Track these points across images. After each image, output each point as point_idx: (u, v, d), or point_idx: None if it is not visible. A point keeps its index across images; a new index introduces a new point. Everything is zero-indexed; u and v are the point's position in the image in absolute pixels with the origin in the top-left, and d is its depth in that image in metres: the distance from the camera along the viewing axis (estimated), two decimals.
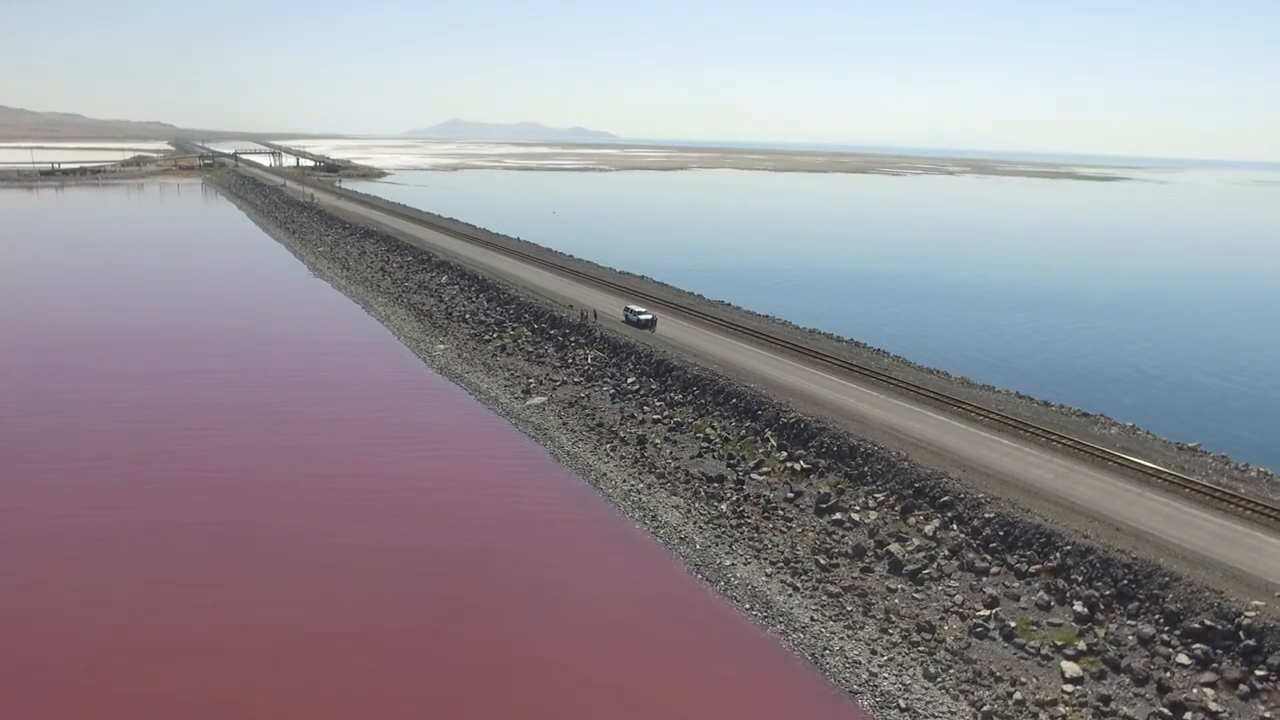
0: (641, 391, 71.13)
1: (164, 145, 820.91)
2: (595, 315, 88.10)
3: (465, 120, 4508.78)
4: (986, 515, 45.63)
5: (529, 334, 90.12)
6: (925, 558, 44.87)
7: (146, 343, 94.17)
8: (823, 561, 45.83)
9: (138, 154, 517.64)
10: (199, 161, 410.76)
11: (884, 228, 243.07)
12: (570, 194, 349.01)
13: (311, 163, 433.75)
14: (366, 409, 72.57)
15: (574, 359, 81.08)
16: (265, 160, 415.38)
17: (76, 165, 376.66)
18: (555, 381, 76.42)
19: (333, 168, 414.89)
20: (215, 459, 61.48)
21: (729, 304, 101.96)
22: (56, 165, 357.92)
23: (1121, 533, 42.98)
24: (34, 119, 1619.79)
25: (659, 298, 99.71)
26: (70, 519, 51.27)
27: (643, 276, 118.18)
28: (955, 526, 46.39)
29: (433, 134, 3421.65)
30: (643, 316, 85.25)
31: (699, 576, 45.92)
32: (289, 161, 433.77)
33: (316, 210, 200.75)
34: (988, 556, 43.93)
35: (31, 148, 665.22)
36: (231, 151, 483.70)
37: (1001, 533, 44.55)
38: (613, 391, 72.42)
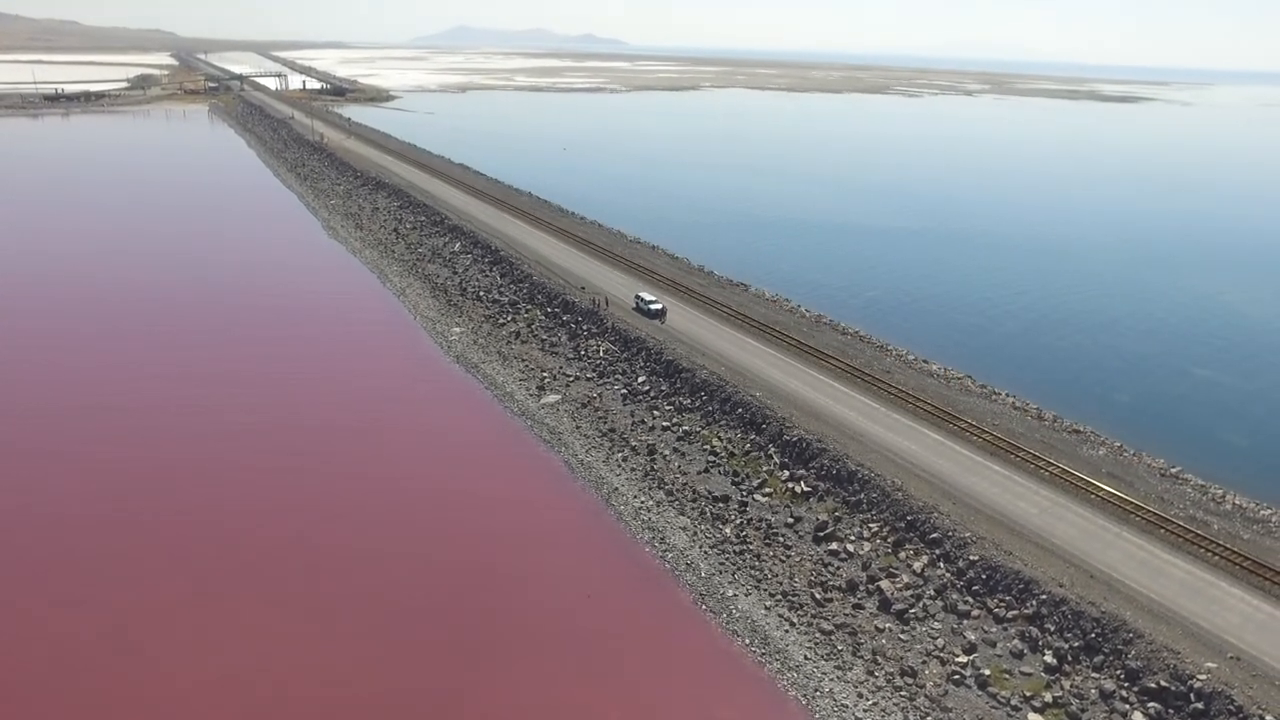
0: (652, 393, 74.13)
1: (166, 58, 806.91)
2: (607, 303, 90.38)
3: (472, 27, 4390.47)
4: (971, 557, 49.10)
5: (542, 318, 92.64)
6: (913, 596, 48.55)
7: (151, 313, 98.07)
8: (818, 595, 49.58)
9: (141, 73, 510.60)
10: (204, 85, 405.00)
11: (894, 164, 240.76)
12: (580, 122, 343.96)
13: (318, 85, 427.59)
14: (383, 405, 75.47)
15: (586, 350, 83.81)
16: (272, 83, 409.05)
17: (80, 89, 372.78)
18: (569, 377, 79.34)
19: (339, 90, 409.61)
20: (210, 449, 65.71)
21: (736, 283, 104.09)
22: (60, 90, 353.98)
23: (1095, 581, 46.47)
24: (31, 26, 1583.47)
25: (668, 278, 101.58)
26: (42, 510, 55.56)
27: (654, 247, 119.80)
28: (942, 565, 49.95)
29: (439, 41, 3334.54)
30: (653, 306, 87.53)
31: (702, 607, 49.80)
32: (295, 83, 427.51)
33: (327, 153, 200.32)
34: (970, 599, 47.60)
35: (31, 62, 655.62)
36: (237, 73, 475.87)
37: (984, 576, 48.10)
38: (624, 391, 75.43)
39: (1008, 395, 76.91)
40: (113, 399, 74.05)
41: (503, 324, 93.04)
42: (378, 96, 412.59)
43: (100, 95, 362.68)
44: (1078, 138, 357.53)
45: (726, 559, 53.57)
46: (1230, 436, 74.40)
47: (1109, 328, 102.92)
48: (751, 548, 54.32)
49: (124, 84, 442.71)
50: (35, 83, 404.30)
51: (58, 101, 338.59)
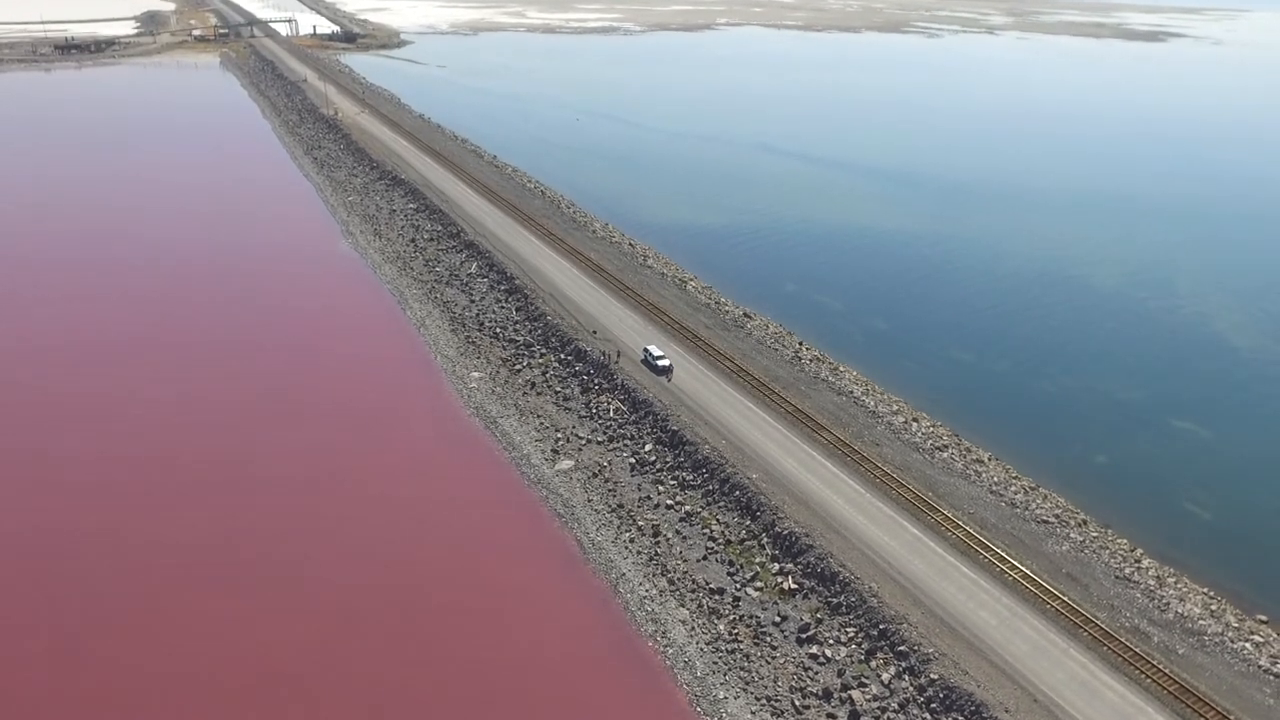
0: (658, 465, 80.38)
1: None
2: (618, 355, 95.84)
3: None
4: (932, 675, 55.99)
5: (556, 365, 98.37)
6: (879, 709, 55.64)
7: (156, 346, 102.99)
8: (797, 702, 56.72)
9: (149, 9, 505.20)
10: (215, 31, 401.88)
11: (907, 141, 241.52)
12: (593, 74, 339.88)
13: (329, 30, 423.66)
14: (404, 474, 79.87)
15: (598, 408, 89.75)
16: (283, 29, 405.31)
17: (89, 34, 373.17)
18: (581, 439, 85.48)
19: (350, 37, 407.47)
20: (209, 521, 71.46)
21: (740, 317, 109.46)
22: (69, 38, 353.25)
23: (1039, 705, 53.39)
24: None
25: (675, 319, 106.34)
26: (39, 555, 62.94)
27: (663, 273, 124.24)
28: (907, 678, 56.90)
29: None
30: (661, 363, 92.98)
31: (698, 710, 56.98)
32: (306, 27, 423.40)
33: (342, 134, 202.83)
34: (928, 716, 54.63)
35: None
36: (247, 10, 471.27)
37: (942, 695, 55.05)
38: (633, 460, 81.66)
39: (991, 459, 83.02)
40: (104, 429, 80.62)
41: (519, 369, 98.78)
42: (389, 42, 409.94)
43: (110, 43, 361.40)
44: (1100, 96, 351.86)
45: (720, 657, 60.57)
46: (1195, 509, 79.74)
47: (1098, 362, 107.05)
48: (742, 646, 61.27)
49: (133, 25, 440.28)
50: (43, 22, 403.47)
51: (69, 53, 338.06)
